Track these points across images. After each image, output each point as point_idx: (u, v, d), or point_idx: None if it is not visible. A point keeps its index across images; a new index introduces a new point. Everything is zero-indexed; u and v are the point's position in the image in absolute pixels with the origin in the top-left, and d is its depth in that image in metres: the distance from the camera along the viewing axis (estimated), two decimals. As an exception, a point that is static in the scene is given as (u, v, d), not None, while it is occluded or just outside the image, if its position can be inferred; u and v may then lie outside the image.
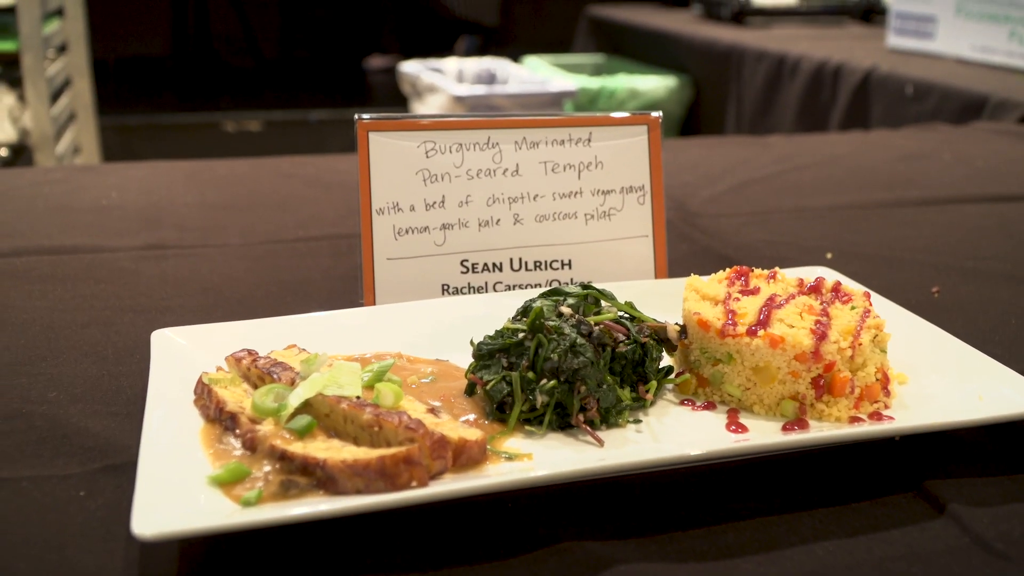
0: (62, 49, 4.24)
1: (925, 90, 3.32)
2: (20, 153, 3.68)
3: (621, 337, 1.08)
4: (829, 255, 1.68)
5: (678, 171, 2.26)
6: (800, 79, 3.93)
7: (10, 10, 3.58)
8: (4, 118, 3.64)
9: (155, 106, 7.41)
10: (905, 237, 1.83)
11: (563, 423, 1.03)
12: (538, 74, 4.70)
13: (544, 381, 1.02)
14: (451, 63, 4.78)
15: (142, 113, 7.02)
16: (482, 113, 1.37)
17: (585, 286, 1.16)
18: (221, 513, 0.84)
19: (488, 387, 1.04)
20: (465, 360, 1.12)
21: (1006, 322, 1.41)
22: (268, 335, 1.18)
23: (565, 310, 1.09)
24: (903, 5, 4.06)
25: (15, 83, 3.72)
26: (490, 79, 4.76)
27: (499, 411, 1.04)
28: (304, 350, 1.14)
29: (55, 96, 3.92)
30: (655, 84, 4.74)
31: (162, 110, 7.31)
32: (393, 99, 5.56)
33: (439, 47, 7.66)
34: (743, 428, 1.04)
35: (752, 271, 1.21)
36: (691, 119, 4.87)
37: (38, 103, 3.65)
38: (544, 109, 4.28)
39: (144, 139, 6.37)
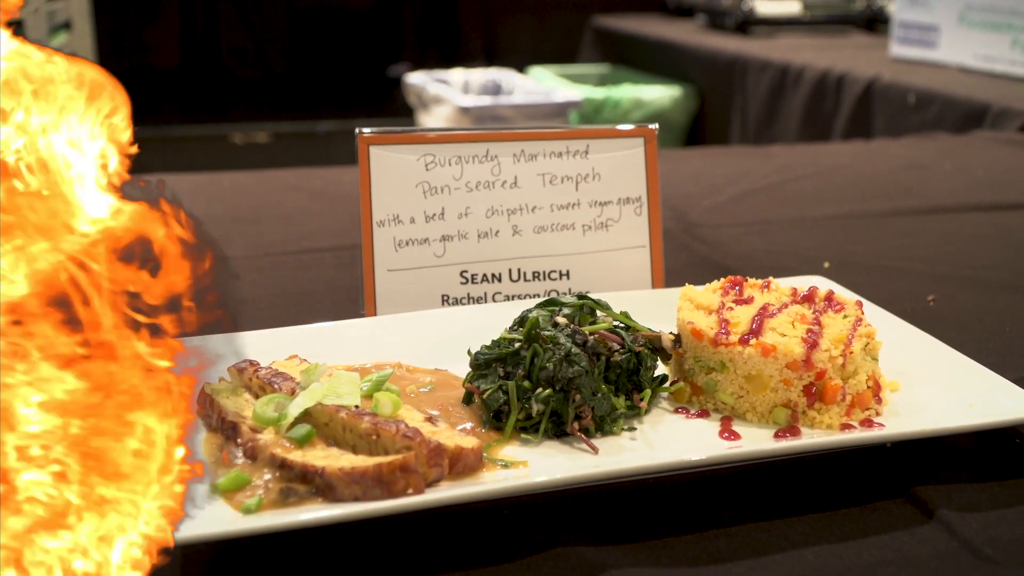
0: (71, 62, 4.28)
1: (927, 99, 3.34)
2: (29, 166, 3.71)
3: (616, 346, 1.10)
4: (826, 264, 1.70)
5: (680, 182, 2.27)
6: (804, 88, 3.95)
7: (17, 23, 3.61)
8: (14, 131, 3.67)
9: (163, 118, 7.45)
10: (903, 246, 1.85)
11: (558, 431, 1.04)
12: (543, 84, 4.72)
13: (540, 390, 1.04)
14: (457, 74, 4.80)
15: (149, 125, 7.05)
16: (481, 126, 1.39)
17: (581, 296, 1.18)
18: (223, 520, 0.86)
19: (485, 396, 1.06)
20: (464, 370, 1.14)
21: (1001, 330, 1.43)
22: (270, 346, 1.20)
23: (560, 320, 1.11)
24: (906, 14, 4.08)
25: (24, 97, 3.75)
26: (495, 90, 4.78)
27: (496, 419, 1.06)
28: (305, 360, 1.15)
29: (64, 109, 3.95)
30: (660, 94, 4.76)
31: (170, 122, 7.34)
32: (400, 110, 5.59)
33: (446, 58, 7.68)
34: (736, 435, 1.05)
35: (746, 281, 1.23)
36: (696, 129, 4.88)
37: (47, 116, 3.68)
38: (549, 120, 4.30)
39: (152, 151, 6.38)
